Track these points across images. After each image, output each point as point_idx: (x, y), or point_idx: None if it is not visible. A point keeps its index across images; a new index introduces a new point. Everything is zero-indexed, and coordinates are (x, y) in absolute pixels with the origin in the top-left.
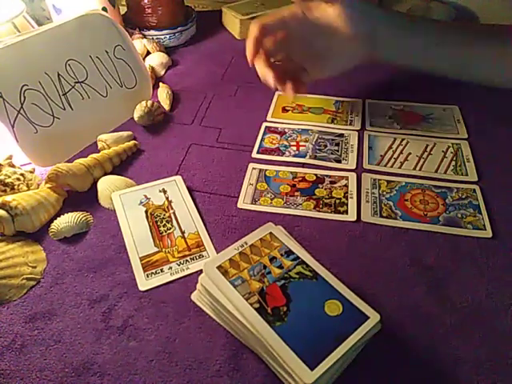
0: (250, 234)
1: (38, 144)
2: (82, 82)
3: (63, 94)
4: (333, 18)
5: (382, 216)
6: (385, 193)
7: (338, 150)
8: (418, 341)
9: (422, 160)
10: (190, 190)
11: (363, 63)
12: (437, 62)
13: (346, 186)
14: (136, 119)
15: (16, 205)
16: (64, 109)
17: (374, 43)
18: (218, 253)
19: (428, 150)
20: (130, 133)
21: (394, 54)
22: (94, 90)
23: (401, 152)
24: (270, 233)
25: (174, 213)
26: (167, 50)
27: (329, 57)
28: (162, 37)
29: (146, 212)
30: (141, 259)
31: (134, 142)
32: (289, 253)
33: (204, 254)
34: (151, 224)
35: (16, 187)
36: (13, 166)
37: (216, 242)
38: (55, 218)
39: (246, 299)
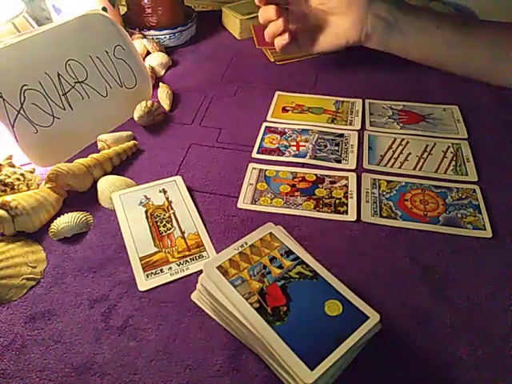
0: (250, 234)
1: (38, 144)
2: (81, 82)
3: (63, 94)
4: None
5: (382, 216)
6: (385, 193)
7: (338, 150)
8: (418, 341)
9: (422, 160)
10: (190, 190)
11: (354, 43)
12: (434, 50)
13: (346, 186)
14: (136, 119)
15: (16, 205)
16: (64, 109)
17: (367, 21)
18: (217, 253)
19: (428, 150)
20: (129, 133)
21: (388, 35)
22: (94, 90)
23: (401, 152)
24: (270, 233)
25: (173, 213)
26: (167, 50)
27: (321, 35)
28: (162, 37)
29: (146, 212)
30: (141, 259)
31: (133, 142)
32: (289, 253)
33: (204, 254)
34: (151, 224)
35: (16, 187)
36: (13, 166)
37: (216, 242)
38: (55, 218)
39: (246, 299)
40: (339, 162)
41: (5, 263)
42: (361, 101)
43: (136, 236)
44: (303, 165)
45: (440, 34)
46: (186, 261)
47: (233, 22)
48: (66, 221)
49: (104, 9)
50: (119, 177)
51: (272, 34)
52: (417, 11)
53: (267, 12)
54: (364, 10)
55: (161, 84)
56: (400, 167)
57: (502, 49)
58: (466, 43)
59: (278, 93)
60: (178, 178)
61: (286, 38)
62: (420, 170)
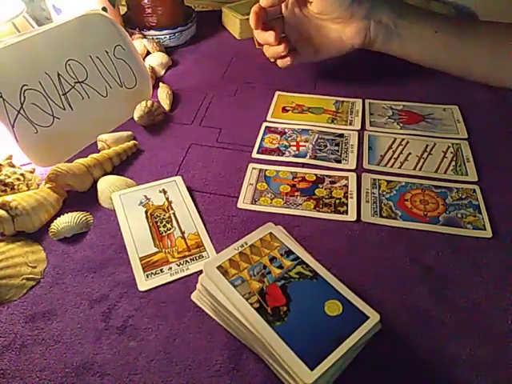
0: (250, 234)
1: (38, 144)
2: (81, 82)
3: (63, 94)
4: (330, 4)
5: (381, 216)
6: (385, 193)
7: (338, 150)
8: (418, 341)
9: (422, 160)
10: (190, 190)
11: (358, 48)
12: (433, 53)
13: (346, 185)
14: (136, 119)
15: (16, 205)
16: (64, 109)
17: (370, 28)
18: (217, 253)
19: (428, 150)
20: (129, 133)
21: (389, 40)
22: (94, 90)
23: (401, 152)
24: (270, 233)
25: (173, 213)
26: (167, 50)
27: (323, 42)
28: (162, 37)
29: (146, 212)
30: (141, 259)
31: (133, 142)
32: (289, 253)
33: (204, 254)
34: (151, 224)
35: (16, 187)
36: (13, 166)
37: (216, 242)
38: (55, 218)
39: (246, 299)
40: (339, 162)
41: (5, 263)
42: (361, 101)
43: (136, 236)
44: (303, 165)
45: (438, 37)
46: (186, 261)
47: (233, 22)
48: (66, 221)
49: (104, 9)
50: (119, 177)
51: (271, 56)
52: (415, 15)
53: (265, 37)
54: (366, 18)
55: (161, 84)
56: (400, 167)
57: (501, 50)
58: (465, 46)
59: (277, 93)
60: (178, 178)
61: (288, 60)
62: (420, 170)
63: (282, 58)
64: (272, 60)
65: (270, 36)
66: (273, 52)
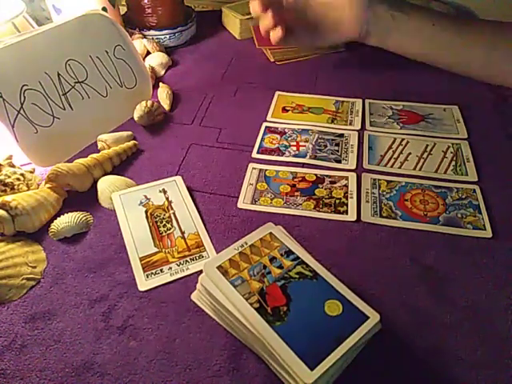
0: (250, 234)
1: (38, 144)
2: (81, 81)
3: (63, 94)
4: None
5: (381, 216)
6: (385, 193)
7: (338, 150)
8: (418, 341)
9: (422, 160)
10: (190, 190)
11: (354, 40)
12: (431, 48)
13: (346, 185)
14: (136, 119)
15: (16, 205)
16: (64, 109)
17: (368, 19)
18: (217, 253)
19: (428, 150)
20: (129, 133)
21: (386, 33)
22: (94, 89)
23: (401, 152)
24: (270, 233)
25: (173, 213)
26: (167, 50)
27: (320, 29)
28: (162, 37)
29: (146, 212)
30: (141, 259)
31: (133, 142)
32: (289, 253)
33: (204, 254)
34: (151, 224)
35: (16, 187)
36: (13, 166)
37: (216, 242)
38: (55, 218)
39: (246, 299)
40: (339, 162)
41: (5, 263)
42: (361, 101)
43: (136, 236)
44: (303, 165)
45: (437, 32)
46: (186, 261)
47: (233, 22)
48: (66, 221)
49: (104, 9)
50: (119, 177)
51: (263, 28)
52: (414, 10)
53: (253, 7)
54: (364, 8)
55: (161, 84)
56: (400, 167)
57: (499, 48)
58: (463, 40)
59: (277, 93)
60: (178, 178)
61: (279, 31)
62: (420, 170)
63: (274, 28)
64: (266, 35)
65: (254, 4)
66: (264, 24)
